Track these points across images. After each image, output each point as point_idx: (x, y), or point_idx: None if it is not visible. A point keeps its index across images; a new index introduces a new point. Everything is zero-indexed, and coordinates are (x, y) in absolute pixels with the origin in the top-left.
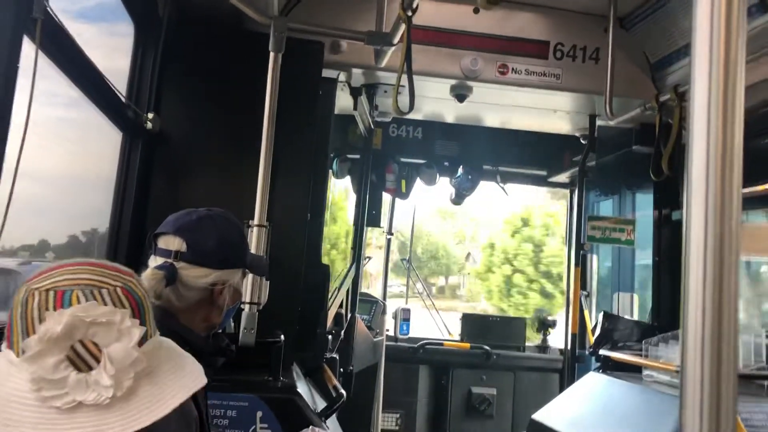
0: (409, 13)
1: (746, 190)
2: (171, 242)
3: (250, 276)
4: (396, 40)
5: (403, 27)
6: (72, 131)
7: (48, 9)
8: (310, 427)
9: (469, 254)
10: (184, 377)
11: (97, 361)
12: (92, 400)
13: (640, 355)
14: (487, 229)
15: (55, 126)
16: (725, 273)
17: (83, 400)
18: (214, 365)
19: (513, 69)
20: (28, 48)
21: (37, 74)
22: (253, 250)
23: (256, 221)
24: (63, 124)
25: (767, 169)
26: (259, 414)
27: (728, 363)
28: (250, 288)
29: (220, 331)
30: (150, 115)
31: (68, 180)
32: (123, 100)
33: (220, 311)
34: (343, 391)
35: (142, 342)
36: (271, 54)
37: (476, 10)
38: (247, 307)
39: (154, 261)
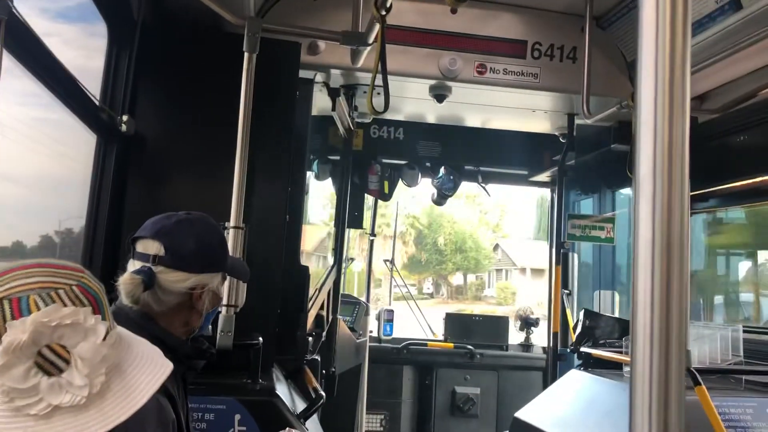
0: (383, 13)
1: (726, 186)
2: (149, 246)
3: (226, 279)
4: (371, 39)
5: (377, 27)
6: (48, 131)
7: (13, 10)
8: (287, 429)
9: (497, 246)
10: (151, 365)
11: (67, 362)
12: (68, 402)
13: (621, 352)
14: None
15: (31, 126)
16: (673, 269)
17: (59, 404)
18: (195, 368)
19: (491, 69)
20: None
21: (7, 75)
22: (230, 253)
23: (232, 223)
24: (39, 124)
25: (744, 165)
26: (238, 417)
27: (678, 358)
28: (227, 291)
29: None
30: (125, 118)
31: (44, 181)
32: (96, 102)
33: (200, 315)
34: (322, 393)
35: (105, 336)
36: (246, 55)
37: (454, 11)
38: (224, 310)
39: (133, 265)
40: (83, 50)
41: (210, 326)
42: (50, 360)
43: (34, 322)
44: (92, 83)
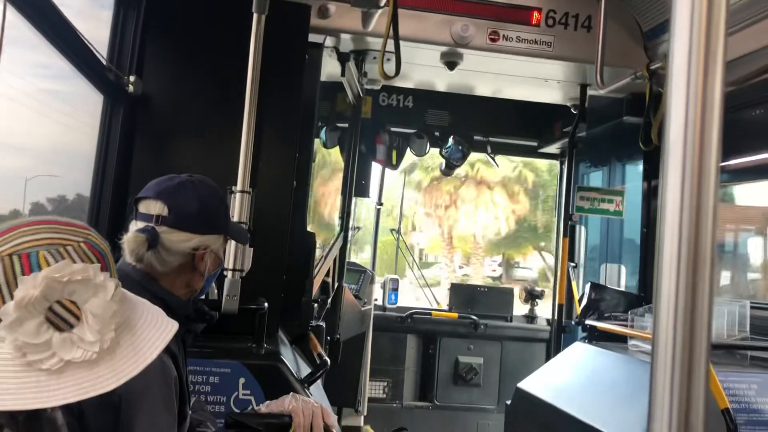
0: None
1: (741, 160)
2: (152, 206)
3: (232, 243)
4: (383, 2)
5: None
6: (56, 100)
7: None
8: (290, 393)
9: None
10: (157, 322)
11: (78, 318)
12: (80, 357)
13: (626, 326)
14: None
15: (38, 97)
16: (701, 244)
17: (71, 359)
18: (194, 331)
19: (504, 36)
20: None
21: (16, 46)
22: (236, 217)
23: (239, 187)
24: (47, 95)
25: (760, 140)
26: (242, 380)
27: (701, 332)
28: (233, 255)
29: (202, 297)
30: (132, 78)
31: (52, 148)
32: (103, 62)
33: (202, 277)
34: (326, 358)
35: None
36: (255, 15)
37: None
38: (229, 274)
39: (135, 226)
40: (91, 11)
41: (216, 290)
42: (61, 315)
43: (45, 277)
44: (99, 43)
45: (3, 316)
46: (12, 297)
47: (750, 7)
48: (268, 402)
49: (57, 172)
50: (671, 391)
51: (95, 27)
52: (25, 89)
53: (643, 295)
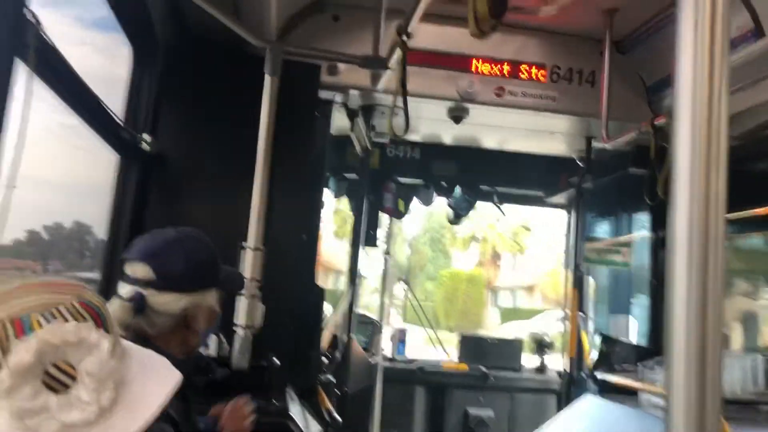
0: (405, 39)
1: (748, 212)
2: (138, 269)
3: (243, 300)
4: (392, 64)
5: (398, 51)
6: (75, 138)
7: (42, 34)
8: None
9: None
10: (158, 376)
11: (74, 379)
12: (79, 418)
13: (637, 378)
14: None
15: (59, 133)
16: (710, 292)
17: (71, 421)
18: (196, 386)
19: (509, 91)
20: (22, 72)
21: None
22: (248, 274)
23: (251, 244)
24: (66, 131)
25: (766, 192)
26: None
27: (713, 386)
28: (244, 312)
29: (205, 350)
30: (146, 137)
31: (71, 187)
32: (119, 122)
33: (197, 334)
34: (338, 417)
35: (111, 349)
36: (268, 77)
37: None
38: (240, 331)
39: (122, 288)
40: (107, 68)
41: (227, 346)
42: (57, 378)
43: (38, 341)
44: (115, 101)
45: None
46: (6, 363)
47: (751, 65)
48: None
49: (74, 204)
50: None
51: (109, 74)
52: (46, 124)
53: (653, 347)
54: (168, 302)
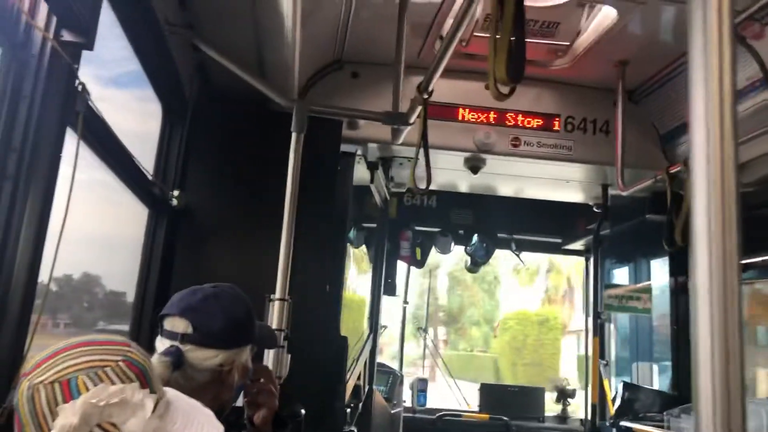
0: (426, 96)
1: (761, 258)
2: (177, 324)
3: (271, 350)
4: (412, 119)
5: (419, 108)
6: (104, 192)
7: (90, 103)
8: None
9: None
10: (200, 429)
11: None
12: None
13: (662, 427)
14: None
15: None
16: (730, 341)
17: None
18: None
19: (525, 141)
20: (69, 138)
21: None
22: (274, 324)
23: (277, 295)
24: (98, 187)
25: None
26: None
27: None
28: (272, 362)
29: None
30: (176, 193)
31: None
32: (150, 178)
33: (230, 389)
34: None
35: (154, 408)
36: (293, 134)
37: (488, 86)
38: None
39: (161, 342)
40: (140, 126)
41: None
42: None
43: (83, 404)
44: (145, 158)
45: None
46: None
47: (762, 112)
48: None
49: (108, 259)
50: None
51: (141, 132)
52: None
53: (677, 395)
54: (206, 358)
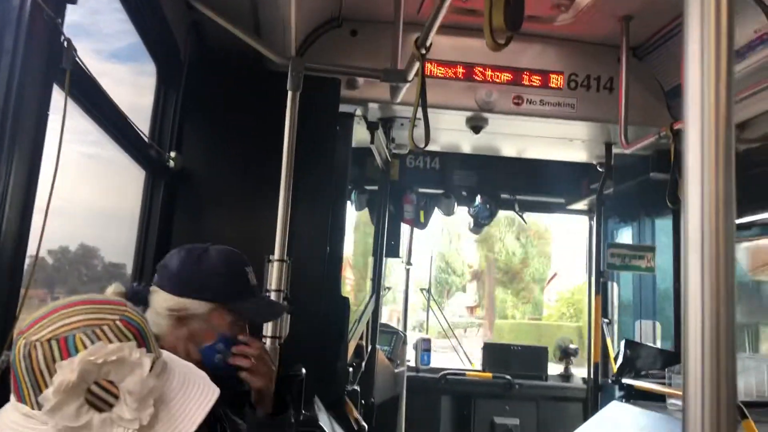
0: (423, 51)
1: (761, 216)
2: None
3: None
4: (411, 76)
5: (417, 64)
6: (101, 167)
7: (77, 59)
8: None
9: None
10: (198, 391)
11: (116, 397)
12: None
13: (664, 383)
14: None
15: (85, 162)
16: (721, 297)
17: None
18: (221, 397)
19: (528, 100)
20: (57, 96)
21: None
22: (273, 285)
23: (276, 256)
24: (92, 161)
25: None
26: None
27: (727, 392)
28: (272, 322)
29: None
30: (172, 154)
31: (96, 215)
32: (146, 140)
33: (195, 345)
34: (365, 424)
35: (151, 367)
36: (289, 93)
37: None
38: (268, 342)
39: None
40: (133, 88)
41: None
42: (100, 396)
43: (81, 361)
44: (141, 121)
45: (44, 401)
46: (52, 382)
47: (757, 73)
48: None
49: (98, 234)
50: None
51: (135, 93)
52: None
53: (679, 352)
54: (159, 300)
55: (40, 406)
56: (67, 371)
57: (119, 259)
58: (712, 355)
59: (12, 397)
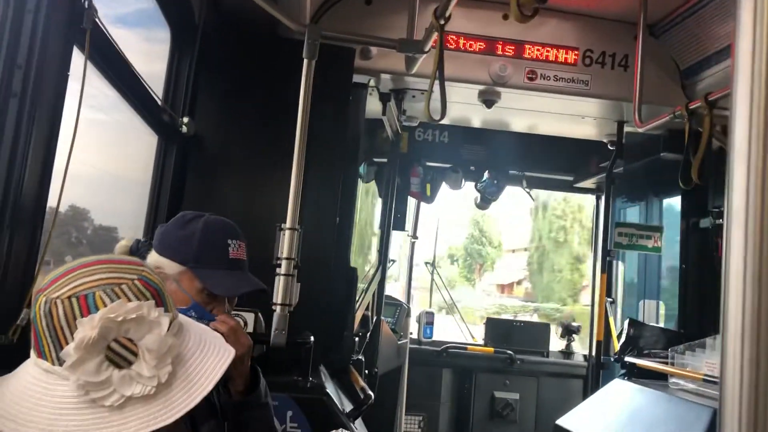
0: (442, 22)
1: None
2: None
3: (281, 279)
4: (427, 47)
5: (435, 35)
6: (113, 133)
7: (96, 20)
8: (339, 429)
9: None
10: (214, 351)
11: (135, 355)
12: (139, 393)
13: (667, 363)
14: None
15: (98, 128)
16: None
17: (131, 394)
18: None
19: (542, 75)
20: (77, 57)
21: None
22: (284, 253)
23: (288, 224)
24: (104, 126)
25: None
26: (289, 413)
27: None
28: (282, 290)
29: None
30: (185, 119)
31: (110, 180)
32: (159, 104)
33: (182, 304)
34: (370, 393)
35: (169, 327)
36: (305, 61)
37: (505, 17)
38: (278, 308)
39: None
40: (147, 53)
41: (264, 324)
42: (119, 353)
43: (101, 318)
44: (154, 85)
45: (65, 357)
46: (73, 338)
47: None
48: None
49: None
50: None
51: (148, 59)
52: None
53: (682, 332)
54: (149, 256)
55: (60, 363)
56: (87, 327)
57: (127, 223)
58: (753, 335)
59: (32, 354)
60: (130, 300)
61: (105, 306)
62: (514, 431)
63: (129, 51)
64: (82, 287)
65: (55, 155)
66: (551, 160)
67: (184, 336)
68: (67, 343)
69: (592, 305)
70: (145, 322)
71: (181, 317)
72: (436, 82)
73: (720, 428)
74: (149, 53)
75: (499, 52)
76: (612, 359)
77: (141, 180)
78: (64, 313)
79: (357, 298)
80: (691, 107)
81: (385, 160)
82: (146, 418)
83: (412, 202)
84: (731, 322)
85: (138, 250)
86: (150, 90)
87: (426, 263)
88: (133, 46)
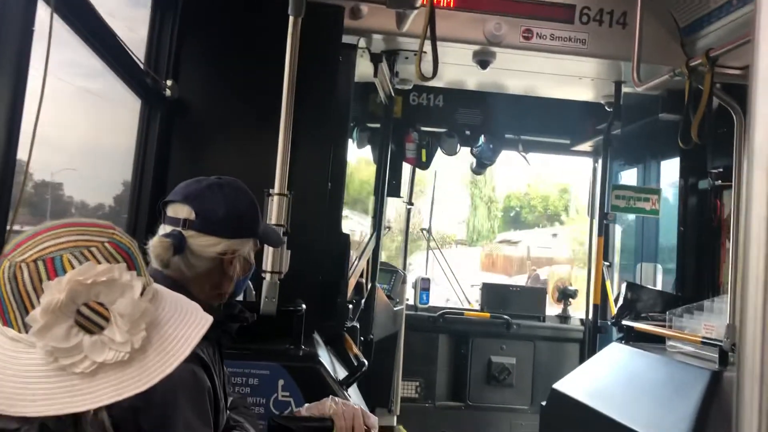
0: None
1: None
2: (180, 210)
3: (271, 247)
4: (419, 2)
5: None
6: (94, 101)
7: None
8: (330, 396)
9: None
10: (190, 318)
11: (107, 320)
12: (112, 359)
13: (664, 326)
14: None
15: (78, 96)
16: None
17: (103, 361)
18: (229, 332)
19: (537, 34)
20: (43, 13)
21: (55, 42)
22: (273, 220)
23: (276, 190)
24: (85, 95)
25: None
26: (281, 382)
27: None
28: (271, 257)
29: (239, 299)
30: (169, 83)
31: (90, 150)
32: (141, 67)
33: (231, 281)
34: (364, 360)
35: (142, 292)
36: (291, 18)
37: None
38: (268, 276)
39: (163, 230)
40: (128, 18)
41: (254, 292)
42: (90, 318)
43: (69, 280)
44: (137, 49)
45: (31, 322)
46: (39, 303)
47: None
48: (308, 405)
49: (92, 168)
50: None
51: (128, 26)
52: (60, 87)
53: (680, 295)
54: (208, 245)
55: (27, 329)
56: (55, 291)
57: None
58: None
59: None
60: (99, 263)
61: (73, 269)
62: (510, 395)
63: (112, 18)
64: (49, 250)
65: (21, 119)
66: (548, 123)
67: (160, 302)
68: (33, 309)
69: (589, 269)
70: (117, 285)
71: (155, 285)
72: (428, 41)
73: (739, 369)
74: (134, 19)
75: (494, 10)
76: (609, 323)
77: (125, 146)
78: (29, 277)
79: (351, 265)
80: (691, 65)
81: (378, 125)
82: (119, 384)
83: (406, 167)
84: (752, 268)
85: (181, 239)
86: (129, 51)
87: (422, 230)
88: (116, 12)
